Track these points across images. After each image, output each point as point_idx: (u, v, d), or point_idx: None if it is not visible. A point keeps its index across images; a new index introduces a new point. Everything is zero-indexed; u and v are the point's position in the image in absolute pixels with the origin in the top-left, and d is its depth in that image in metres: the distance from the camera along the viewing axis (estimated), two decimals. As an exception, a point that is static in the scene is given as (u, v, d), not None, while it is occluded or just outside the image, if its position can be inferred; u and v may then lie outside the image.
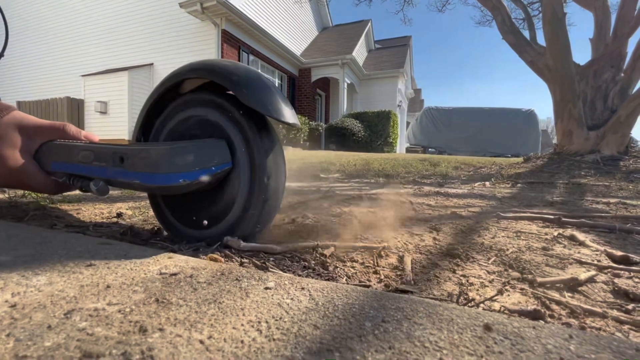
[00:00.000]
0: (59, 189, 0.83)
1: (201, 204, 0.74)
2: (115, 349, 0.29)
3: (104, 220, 0.99)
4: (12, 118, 0.75)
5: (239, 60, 8.50)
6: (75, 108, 8.50)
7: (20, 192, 1.41)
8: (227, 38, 8.03)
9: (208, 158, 0.66)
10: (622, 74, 4.45)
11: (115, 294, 0.40)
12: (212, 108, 0.73)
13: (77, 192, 1.58)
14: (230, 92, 0.71)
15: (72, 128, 0.83)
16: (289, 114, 0.69)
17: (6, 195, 1.37)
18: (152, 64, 8.69)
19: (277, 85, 10.52)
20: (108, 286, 0.42)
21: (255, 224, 0.71)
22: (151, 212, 1.15)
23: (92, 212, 1.11)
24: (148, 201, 1.38)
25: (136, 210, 1.16)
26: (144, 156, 0.66)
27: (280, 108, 0.67)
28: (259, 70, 8.29)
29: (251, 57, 9.16)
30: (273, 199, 0.72)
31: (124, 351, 0.29)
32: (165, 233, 0.84)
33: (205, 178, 0.66)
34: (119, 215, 1.06)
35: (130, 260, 0.52)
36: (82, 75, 8.84)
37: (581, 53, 5.59)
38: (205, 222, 0.72)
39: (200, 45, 8.10)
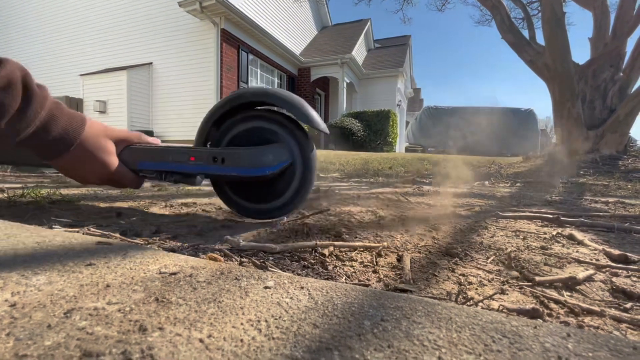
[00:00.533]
0: (140, 184, 1.00)
1: (265, 188, 1.00)
2: (115, 348, 0.29)
3: (104, 219, 0.99)
4: (97, 126, 0.87)
5: (238, 59, 8.50)
6: (74, 107, 8.48)
7: (19, 191, 1.41)
8: (226, 37, 8.01)
9: (280, 156, 0.94)
10: (621, 74, 4.46)
11: (114, 293, 0.40)
12: (273, 122, 0.99)
13: (76, 191, 1.57)
14: (277, 109, 0.98)
15: (144, 137, 1.00)
16: (323, 125, 0.96)
17: (5, 195, 1.37)
18: (151, 63, 8.67)
19: (276, 84, 10.54)
20: (108, 285, 0.42)
21: (301, 199, 0.99)
22: (150, 211, 1.15)
23: (92, 211, 1.11)
24: (147, 200, 1.38)
25: (135, 210, 1.16)
26: (239, 157, 0.92)
27: (318, 121, 0.94)
28: (258, 70, 8.26)
29: (250, 57, 9.14)
30: (312, 182, 1.00)
31: (124, 350, 0.29)
32: (164, 234, 0.85)
33: (279, 170, 0.94)
34: (119, 214, 1.06)
35: (129, 260, 0.52)
36: (81, 75, 8.82)
37: (580, 52, 5.61)
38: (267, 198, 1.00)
39: (199, 45, 8.09)
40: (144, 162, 0.95)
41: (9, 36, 11.18)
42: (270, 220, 1.01)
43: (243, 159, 0.91)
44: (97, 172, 0.86)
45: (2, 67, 0.63)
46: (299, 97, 0.96)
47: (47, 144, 0.76)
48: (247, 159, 0.91)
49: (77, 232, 0.81)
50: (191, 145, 1.01)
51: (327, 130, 0.98)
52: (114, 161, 0.89)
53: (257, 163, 0.91)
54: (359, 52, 13.13)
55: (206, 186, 1.91)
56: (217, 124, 1.03)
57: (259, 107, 1.02)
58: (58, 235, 0.64)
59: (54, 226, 0.86)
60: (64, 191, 1.56)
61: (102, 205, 1.24)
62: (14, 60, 0.67)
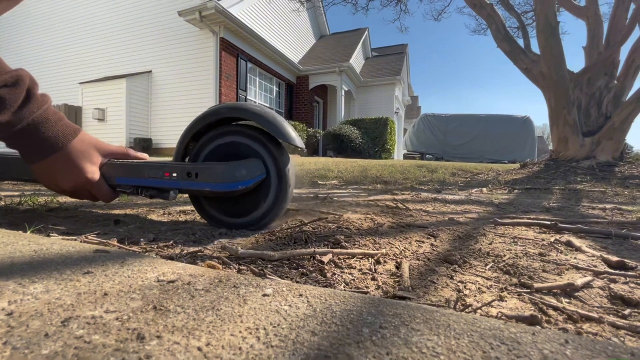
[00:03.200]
0: (114, 198, 1.00)
1: (239, 201, 1.02)
2: (113, 357, 0.29)
3: (101, 227, 0.99)
4: (89, 138, 0.90)
5: (237, 68, 8.56)
6: (72, 115, 8.49)
7: (16, 199, 1.41)
8: (225, 46, 8.09)
9: (253, 171, 0.96)
10: (616, 81, 4.52)
11: (112, 301, 0.40)
12: (247, 137, 1.02)
13: (75, 200, 1.57)
14: (254, 124, 1.01)
15: (131, 152, 1.03)
16: (298, 140, 0.99)
17: (2, 203, 1.37)
18: (150, 71, 8.72)
19: (275, 92, 10.60)
20: (105, 294, 0.42)
21: (277, 212, 1.01)
22: (148, 218, 1.14)
23: (89, 219, 1.11)
24: (145, 208, 1.38)
25: (133, 217, 1.16)
26: (212, 172, 0.94)
27: (293, 136, 0.98)
28: (257, 78, 8.33)
29: (249, 65, 9.22)
30: (288, 196, 1.03)
31: (122, 358, 0.28)
32: (162, 242, 0.84)
33: (252, 184, 0.96)
34: (116, 222, 1.06)
35: (127, 268, 0.52)
36: (80, 83, 8.85)
37: (575, 61, 5.68)
38: (242, 212, 1.03)
39: (198, 53, 8.16)
40: (121, 177, 0.97)
41: (9, 45, 11.24)
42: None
43: (216, 174, 0.93)
44: (75, 181, 0.86)
45: (16, 70, 0.74)
46: (273, 112, 1.00)
47: (34, 143, 0.79)
48: (219, 174, 0.93)
49: (75, 240, 0.81)
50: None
51: (302, 145, 1.00)
52: (94, 173, 0.90)
53: (230, 178, 0.93)
54: (357, 60, 13.27)
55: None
56: (195, 139, 1.07)
57: (236, 123, 1.06)
58: (55, 243, 0.64)
59: (51, 234, 0.86)
60: (62, 199, 1.55)
61: (99, 212, 1.24)
62: (27, 71, 0.77)
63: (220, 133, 1.03)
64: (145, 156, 1.06)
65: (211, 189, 0.94)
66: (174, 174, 0.96)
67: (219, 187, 0.93)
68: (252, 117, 0.96)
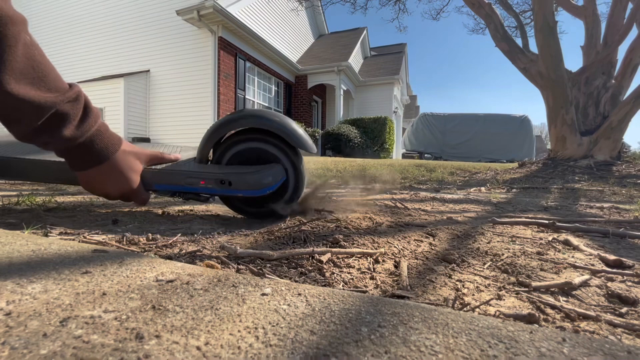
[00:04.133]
0: (148, 200, 1.06)
1: (264, 198, 1.14)
2: (112, 356, 0.29)
3: (100, 227, 0.99)
4: (127, 145, 0.95)
5: (235, 67, 8.55)
6: (70, 115, 8.45)
7: (14, 199, 1.40)
8: (223, 45, 8.07)
9: (277, 176, 1.07)
10: (613, 81, 4.53)
11: (111, 301, 0.40)
12: (268, 144, 1.12)
13: (72, 198, 1.56)
14: (273, 131, 1.09)
15: (166, 155, 1.10)
16: (313, 148, 1.11)
17: (0, 203, 1.36)
18: (148, 70, 8.69)
19: (273, 91, 10.59)
20: (104, 293, 0.42)
21: (291, 207, 1.15)
22: (147, 218, 1.14)
23: (88, 218, 1.10)
24: (143, 208, 1.37)
25: (132, 217, 1.16)
26: (244, 180, 1.05)
27: (309, 144, 1.10)
28: (256, 77, 8.31)
29: (248, 64, 9.20)
30: (302, 190, 1.17)
31: (121, 358, 0.28)
32: (160, 242, 0.84)
33: (276, 188, 1.08)
34: (115, 222, 1.05)
35: (126, 267, 0.52)
36: (78, 82, 8.81)
37: (573, 60, 5.70)
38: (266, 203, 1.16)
39: (196, 52, 8.13)
40: (161, 184, 1.06)
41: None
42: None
43: (248, 182, 1.05)
44: (119, 188, 0.93)
45: (73, 86, 0.79)
46: (290, 121, 1.10)
47: (88, 154, 0.84)
48: (251, 182, 1.04)
49: (73, 239, 0.80)
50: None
51: (315, 150, 1.14)
52: (136, 180, 0.97)
53: (259, 185, 1.04)
54: (356, 59, 13.26)
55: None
56: (216, 143, 1.16)
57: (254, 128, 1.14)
58: (54, 243, 0.64)
59: (49, 234, 0.85)
60: (60, 199, 1.55)
61: (98, 212, 1.23)
62: (79, 85, 0.82)
63: (243, 139, 1.13)
64: (178, 157, 1.14)
65: (244, 194, 1.07)
66: (209, 182, 1.07)
67: (250, 193, 1.06)
68: (272, 128, 1.06)
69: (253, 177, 1.04)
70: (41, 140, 0.75)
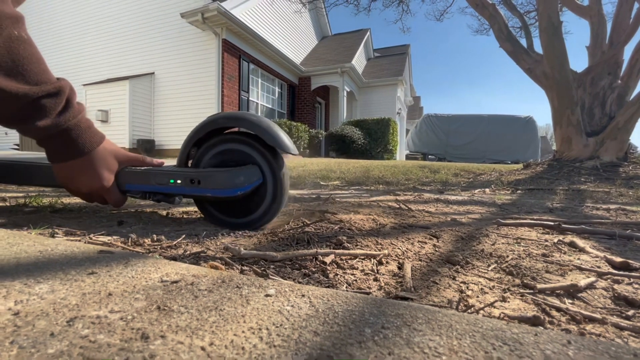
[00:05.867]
0: (122, 203, 1.06)
1: (241, 204, 1.08)
2: (118, 356, 0.29)
3: (105, 228, 1.00)
4: (108, 144, 0.97)
5: (239, 69, 8.58)
6: (76, 117, 8.53)
7: (21, 200, 1.42)
8: (227, 47, 8.11)
9: (250, 177, 1.02)
10: (619, 81, 4.49)
11: (117, 301, 0.40)
12: (245, 144, 1.07)
13: (78, 200, 1.58)
14: (253, 133, 1.05)
15: (147, 159, 1.10)
16: (293, 148, 1.06)
17: (7, 204, 1.38)
18: (153, 73, 8.76)
19: (277, 93, 10.62)
20: (110, 294, 0.42)
21: (274, 213, 1.07)
22: (152, 219, 1.15)
23: (93, 220, 1.11)
24: (148, 209, 1.38)
25: (137, 218, 1.17)
26: (213, 179, 1.01)
27: (288, 145, 1.04)
28: (259, 79, 8.34)
29: (251, 66, 9.23)
30: (284, 198, 1.09)
31: (127, 358, 0.29)
32: (165, 243, 0.85)
33: (249, 190, 1.02)
34: (120, 223, 1.06)
35: (131, 268, 0.52)
36: (84, 85, 8.91)
37: (578, 60, 5.67)
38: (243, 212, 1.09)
39: (200, 55, 8.18)
40: (131, 184, 1.04)
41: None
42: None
43: (217, 181, 1.00)
44: (91, 185, 0.94)
45: (59, 80, 0.82)
46: (269, 121, 1.06)
47: (63, 146, 0.86)
48: (220, 181, 1.00)
49: (79, 240, 0.81)
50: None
51: (296, 152, 1.08)
52: (109, 179, 0.98)
53: (230, 185, 1.00)
54: (359, 61, 13.26)
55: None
56: (197, 145, 1.13)
57: (232, 131, 1.12)
58: (60, 244, 0.64)
59: (56, 235, 0.86)
60: (66, 200, 1.57)
61: (103, 214, 1.25)
62: (68, 81, 0.85)
63: (219, 140, 1.10)
64: (161, 162, 1.13)
65: (212, 194, 1.01)
66: (179, 181, 1.03)
67: (220, 192, 1.00)
68: (248, 126, 1.03)
69: (222, 176, 1.00)
70: (18, 128, 0.79)
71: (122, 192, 1.04)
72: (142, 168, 1.06)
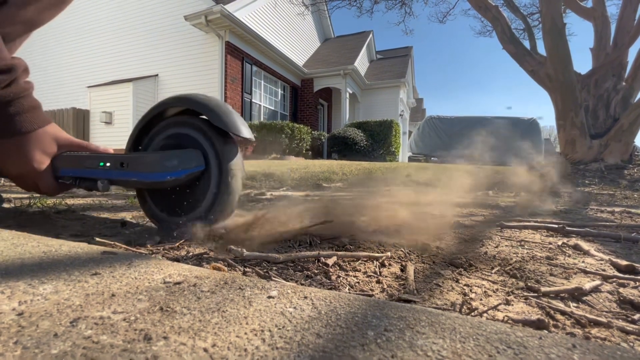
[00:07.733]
0: (59, 191, 0.99)
1: (181, 198, 0.94)
2: (121, 357, 0.29)
3: (109, 229, 1.00)
4: (52, 129, 0.93)
5: (242, 71, 8.62)
6: (80, 118, 8.61)
7: (26, 201, 1.43)
8: (230, 50, 8.15)
9: (187, 162, 0.88)
10: (624, 83, 4.46)
11: (120, 302, 0.40)
12: (191, 128, 0.96)
13: (82, 201, 1.59)
14: (204, 116, 0.93)
15: (92, 145, 1.01)
16: (245, 131, 0.91)
17: (12, 205, 1.39)
18: (156, 75, 8.82)
19: (280, 95, 10.65)
20: (113, 295, 0.43)
21: (221, 209, 0.91)
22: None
23: (97, 221, 1.12)
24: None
25: (140, 219, 1.17)
26: (141, 162, 0.89)
27: (239, 126, 0.90)
28: (262, 81, 8.34)
29: (254, 68, 9.27)
30: (233, 192, 0.93)
31: (129, 359, 0.29)
32: (168, 244, 0.85)
33: (184, 176, 0.88)
34: (124, 224, 1.07)
35: (134, 269, 0.53)
36: (88, 87, 8.98)
37: (582, 62, 5.64)
38: (184, 209, 0.94)
39: (204, 57, 8.23)
40: (65, 168, 0.95)
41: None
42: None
43: (144, 163, 0.88)
44: (20, 168, 0.90)
45: (12, 59, 0.81)
46: (220, 101, 0.93)
47: (0, 121, 0.82)
48: (148, 164, 0.87)
49: (83, 241, 0.82)
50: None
51: (249, 136, 0.92)
52: (42, 163, 0.92)
53: (158, 168, 0.86)
54: (362, 63, 13.27)
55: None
56: (146, 131, 1.03)
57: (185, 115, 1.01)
58: (64, 245, 0.65)
59: (60, 236, 0.87)
60: (70, 201, 1.58)
61: (107, 215, 1.25)
62: (24, 62, 0.84)
63: (167, 124, 0.99)
64: (109, 150, 1.03)
65: (138, 179, 0.88)
66: (108, 164, 0.92)
67: (147, 177, 0.87)
68: (195, 106, 0.91)
69: (150, 158, 0.88)
70: None
71: (57, 180, 0.96)
72: (78, 153, 0.96)
